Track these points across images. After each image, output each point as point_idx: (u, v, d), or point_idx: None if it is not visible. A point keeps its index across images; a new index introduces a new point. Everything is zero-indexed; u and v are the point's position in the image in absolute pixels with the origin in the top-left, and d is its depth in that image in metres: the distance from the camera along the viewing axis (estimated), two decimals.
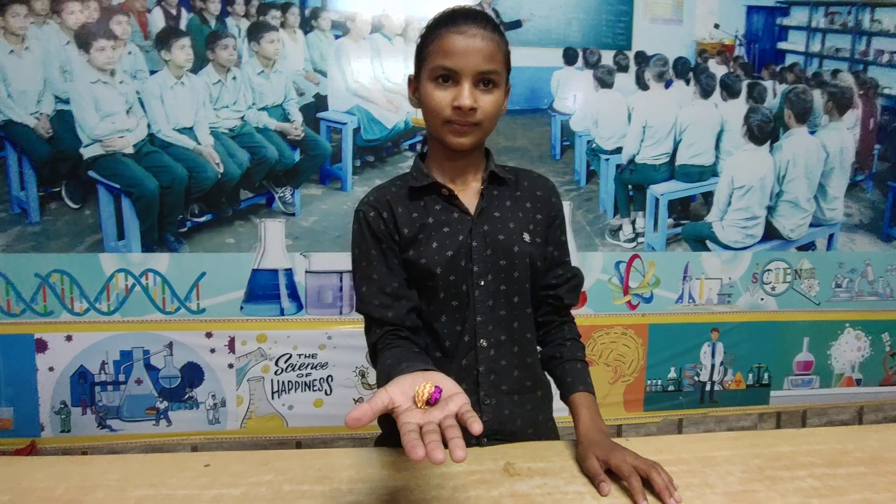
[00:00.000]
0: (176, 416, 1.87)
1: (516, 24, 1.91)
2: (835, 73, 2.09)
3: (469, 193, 0.88)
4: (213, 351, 1.86)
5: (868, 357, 2.20)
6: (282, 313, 1.88)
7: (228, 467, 0.74)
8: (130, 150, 1.77)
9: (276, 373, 1.89)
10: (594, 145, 2.00)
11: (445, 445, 0.52)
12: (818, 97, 2.07)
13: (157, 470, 0.74)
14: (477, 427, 0.54)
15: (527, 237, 0.88)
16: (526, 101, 1.95)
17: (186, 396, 1.87)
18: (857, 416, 2.24)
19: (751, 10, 2.04)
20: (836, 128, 2.09)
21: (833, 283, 2.15)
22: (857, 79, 2.09)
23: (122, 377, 1.83)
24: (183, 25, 1.76)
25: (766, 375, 2.15)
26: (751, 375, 2.14)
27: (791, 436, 0.79)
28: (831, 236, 2.14)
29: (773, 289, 2.12)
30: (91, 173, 1.76)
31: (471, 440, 0.85)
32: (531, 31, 1.93)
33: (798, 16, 2.07)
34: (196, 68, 1.78)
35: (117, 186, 1.77)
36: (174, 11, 1.75)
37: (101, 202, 1.78)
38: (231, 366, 1.87)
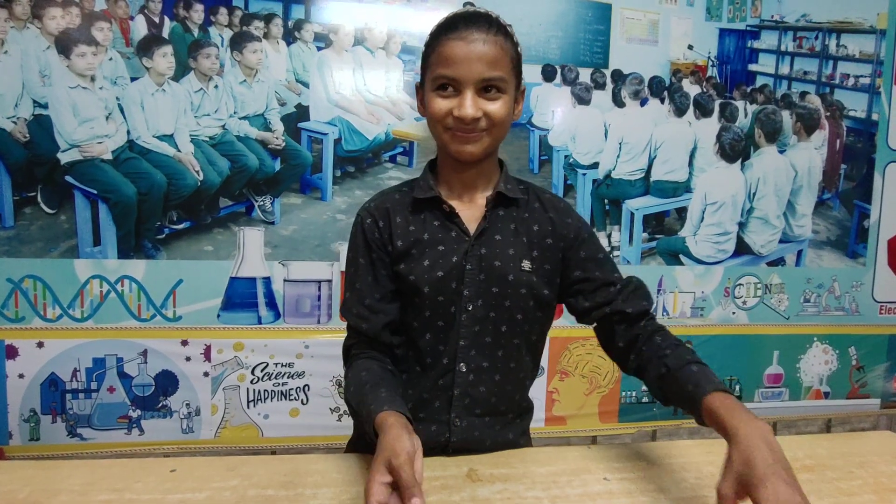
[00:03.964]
0: (149, 424, 1.85)
1: None
2: (803, 94, 2.16)
3: (473, 211, 0.84)
4: (188, 359, 1.84)
5: (835, 370, 2.26)
6: (259, 322, 1.88)
7: (194, 472, 0.75)
8: (109, 156, 1.76)
9: (252, 382, 1.88)
10: (571, 160, 2.04)
11: None
12: (787, 118, 2.15)
13: (122, 475, 0.74)
14: None
15: (526, 265, 0.82)
16: None
17: (160, 405, 1.85)
18: (825, 428, 2.29)
19: (723, 32, 2.11)
20: (805, 147, 2.16)
21: (801, 297, 2.21)
22: (823, 101, 2.17)
23: (94, 385, 1.81)
24: (165, 33, 1.77)
25: (737, 388, 2.20)
26: None
27: None
28: (800, 252, 2.20)
29: (744, 303, 2.17)
30: (68, 178, 1.75)
31: (437, 451, 0.85)
32: None
33: (768, 39, 2.15)
34: (178, 76, 1.79)
35: (94, 192, 1.77)
36: (157, 19, 1.76)
37: (77, 207, 1.76)
38: (206, 374, 1.86)
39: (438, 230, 0.83)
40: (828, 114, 2.17)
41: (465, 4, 1.91)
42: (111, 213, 1.77)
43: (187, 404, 1.86)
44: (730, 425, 0.62)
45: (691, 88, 2.09)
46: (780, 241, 2.18)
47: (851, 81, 2.19)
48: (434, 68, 0.77)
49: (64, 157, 1.74)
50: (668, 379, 0.75)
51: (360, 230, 0.85)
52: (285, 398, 1.91)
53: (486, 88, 0.76)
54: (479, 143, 0.78)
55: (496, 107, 0.77)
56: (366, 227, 0.85)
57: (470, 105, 0.75)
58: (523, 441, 0.92)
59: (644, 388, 2.13)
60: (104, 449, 1.82)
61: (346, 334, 0.89)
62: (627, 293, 0.84)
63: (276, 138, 1.86)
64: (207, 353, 1.85)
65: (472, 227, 0.83)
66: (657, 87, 2.06)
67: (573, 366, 2.06)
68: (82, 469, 0.76)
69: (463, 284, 0.81)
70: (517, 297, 0.83)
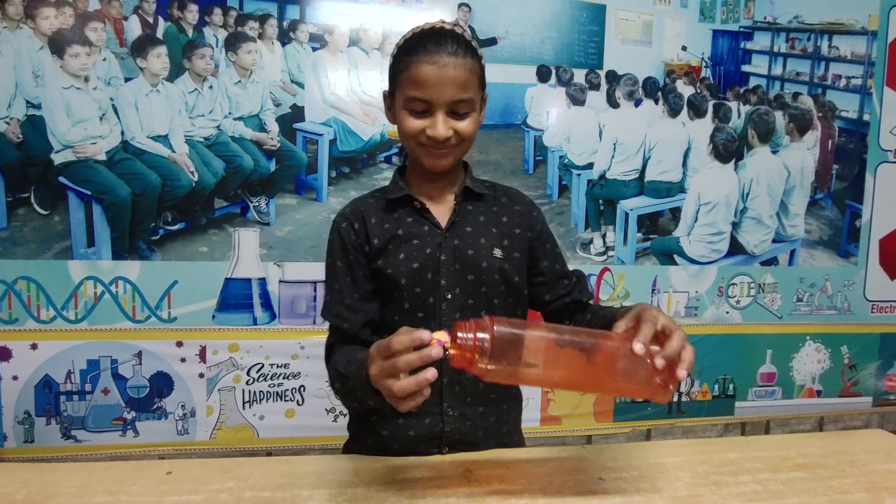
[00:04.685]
0: (144, 426, 1.84)
1: (492, 42, 1.96)
2: (795, 95, 2.18)
3: (443, 207, 0.90)
4: (183, 360, 1.84)
5: (828, 369, 2.28)
6: (254, 323, 1.87)
7: (190, 474, 0.75)
8: (103, 157, 1.76)
9: (247, 382, 1.88)
10: (566, 161, 2.05)
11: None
12: (780, 118, 2.16)
13: (118, 477, 0.74)
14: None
15: (498, 253, 0.88)
16: (500, 116, 1.99)
17: (155, 406, 1.84)
18: (817, 426, 2.31)
19: (716, 34, 2.12)
20: (797, 148, 2.18)
21: (794, 297, 2.23)
22: (816, 101, 2.19)
23: (88, 387, 1.80)
24: (160, 34, 1.76)
25: (731, 386, 2.21)
26: (716, 386, 2.19)
27: (739, 443, 0.83)
28: (793, 252, 2.22)
29: (737, 302, 2.19)
30: (61, 179, 1.74)
31: (432, 449, 0.87)
32: (506, 48, 1.98)
33: (761, 41, 2.16)
34: (172, 77, 1.78)
35: (88, 193, 1.76)
36: (151, 19, 1.76)
37: (71, 208, 1.76)
38: (202, 375, 1.85)
39: (412, 226, 0.88)
40: (820, 114, 2.19)
41: (460, 6, 1.91)
42: (105, 214, 1.77)
43: (182, 406, 1.85)
44: (631, 306, 0.72)
45: (685, 89, 2.10)
46: (773, 241, 2.19)
47: (843, 82, 2.20)
48: (406, 88, 0.81)
49: (57, 158, 1.74)
50: (593, 321, 0.86)
51: (336, 235, 0.90)
52: (281, 399, 1.90)
53: (456, 108, 0.81)
54: (449, 157, 0.84)
55: (466, 124, 0.82)
56: (342, 231, 0.89)
57: (442, 126, 0.80)
58: (517, 437, 0.96)
59: None
60: (99, 451, 1.81)
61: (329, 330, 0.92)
62: (581, 285, 0.95)
63: (271, 139, 1.86)
64: (202, 355, 1.85)
65: (443, 222, 0.88)
66: (651, 88, 2.07)
67: None
68: (78, 472, 0.76)
69: (439, 275, 0.86)
70: (492, 283, 0.88)
